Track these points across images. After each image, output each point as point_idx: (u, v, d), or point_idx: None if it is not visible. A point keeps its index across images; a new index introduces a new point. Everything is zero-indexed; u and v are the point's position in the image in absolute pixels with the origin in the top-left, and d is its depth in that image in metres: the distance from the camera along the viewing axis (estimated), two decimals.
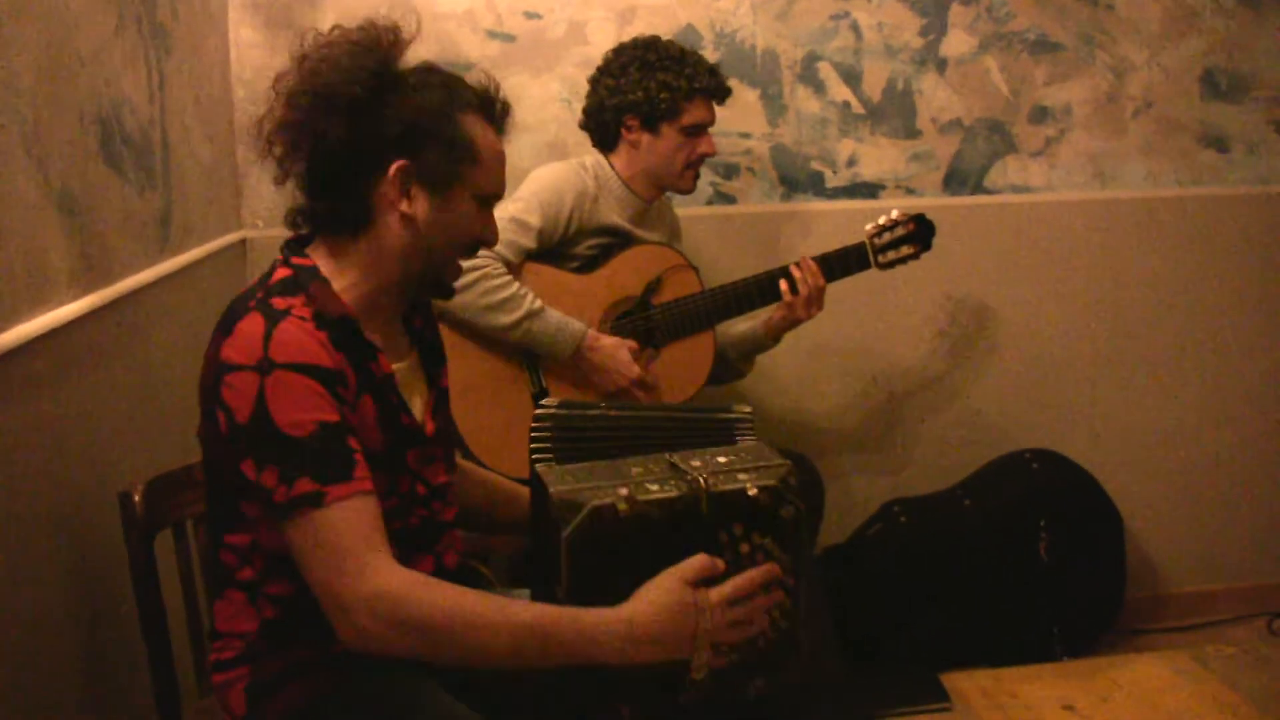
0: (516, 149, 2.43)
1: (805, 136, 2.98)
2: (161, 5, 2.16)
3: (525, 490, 1.66)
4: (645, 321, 2.45)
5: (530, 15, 2.83)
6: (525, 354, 2.37)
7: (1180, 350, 3.18)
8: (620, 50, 2.49)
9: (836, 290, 2.52)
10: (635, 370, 2.37)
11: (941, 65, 3.02)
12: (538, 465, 1.50)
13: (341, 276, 1.49)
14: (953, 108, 3.04)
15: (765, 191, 2.99)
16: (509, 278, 2.29)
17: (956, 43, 3.02)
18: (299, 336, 1.39)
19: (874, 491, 3.04)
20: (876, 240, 2.52)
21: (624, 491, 1.39)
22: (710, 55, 2.84)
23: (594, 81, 2.52)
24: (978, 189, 3.08)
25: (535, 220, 2.36)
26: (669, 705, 1.42)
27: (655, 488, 1.41)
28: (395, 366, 1.53)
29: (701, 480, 1.42)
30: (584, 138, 2.57)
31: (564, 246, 2.43)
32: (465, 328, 2.30)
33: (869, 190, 3.03)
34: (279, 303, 1.42)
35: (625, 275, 2.45)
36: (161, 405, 2.00)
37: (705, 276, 2.54)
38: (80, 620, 1.64)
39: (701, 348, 2.48)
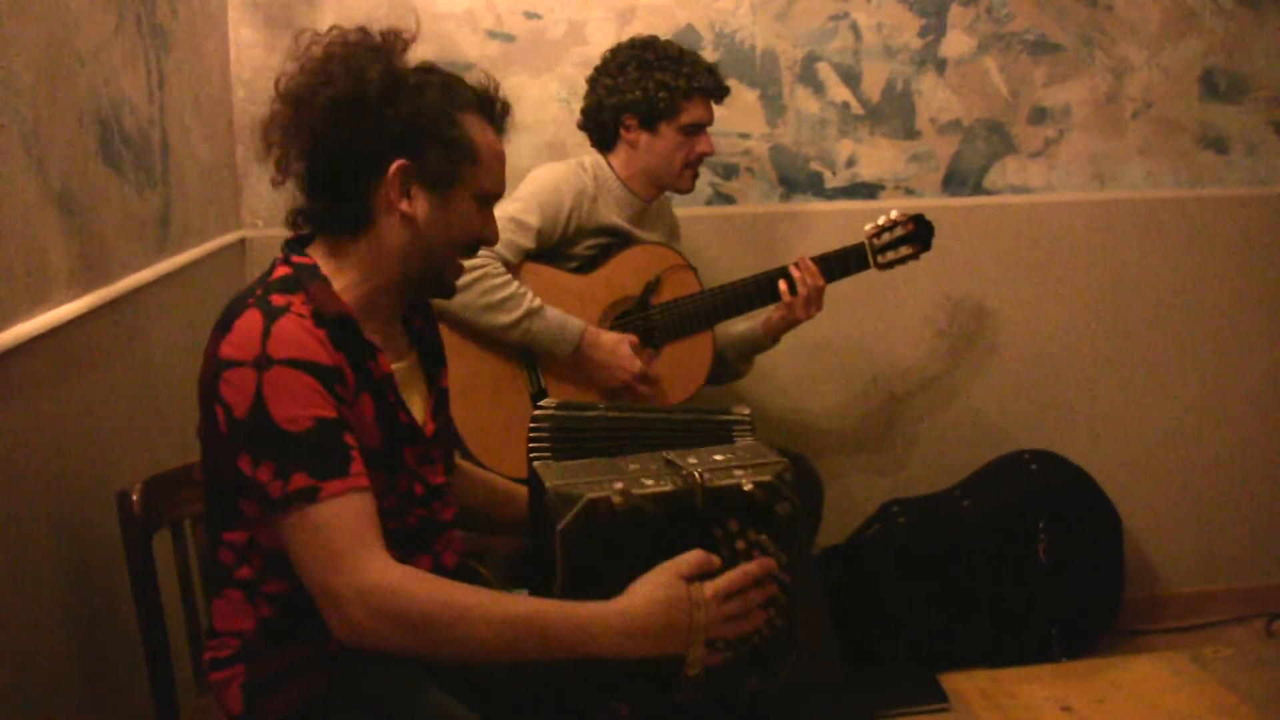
0: (516, 149, 2.44)
1: (804, 137, 2.98)
2: (161, 5, 2.16)
3: (524, 490, 1.66)
4: (644, 322, 2.45)
5: (530, 15, 2.84)
6: (524, 354, 2.37)
7: (1179, 351, 3.18)
8: (618, 50, 2.49)
9: (836, 291, 2.52)
10: (637, 365, 2.37)
11: (941, 66, 3.02)
12: (535, 463, 1.51)
13: (341, 276, 1.49)
14: (952, 108, 3.04)
15: (764, 192, 2.99)
16: (508, 277, 2.30)
17: (956, 43, 3.02)
18: (297, 333, 1.39)
19: (873, 492, 3.05)
20: (875, 241, 2.53)
21: (619, 485, 1.40)
22: (710, 55, 2.84)
23: (592, 81, 2.52)
24: (977, 190, 3.08)
25: (534, 220, 2.36)
26: (667, 704, 1.42)
27: (651, 482, 1.42)
28: (395, 366, 1.53)
29: (697, 475, 1.43)
30: (583, 138, 2.57)
31: (563, 246, 2.43)
32: (465, 328, 2.30)
33: (868, 191, 3.03)
34: (278, 300, 1.42)
35: (624, 275, 2.45)
36: (161, 405, 2.00)
37: (704, 277, 2.54)
38: (79, 619, 1.64)
39: (700, 348, 2.48)
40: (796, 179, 3.00)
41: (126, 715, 1.75)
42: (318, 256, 1.50)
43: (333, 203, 1.49)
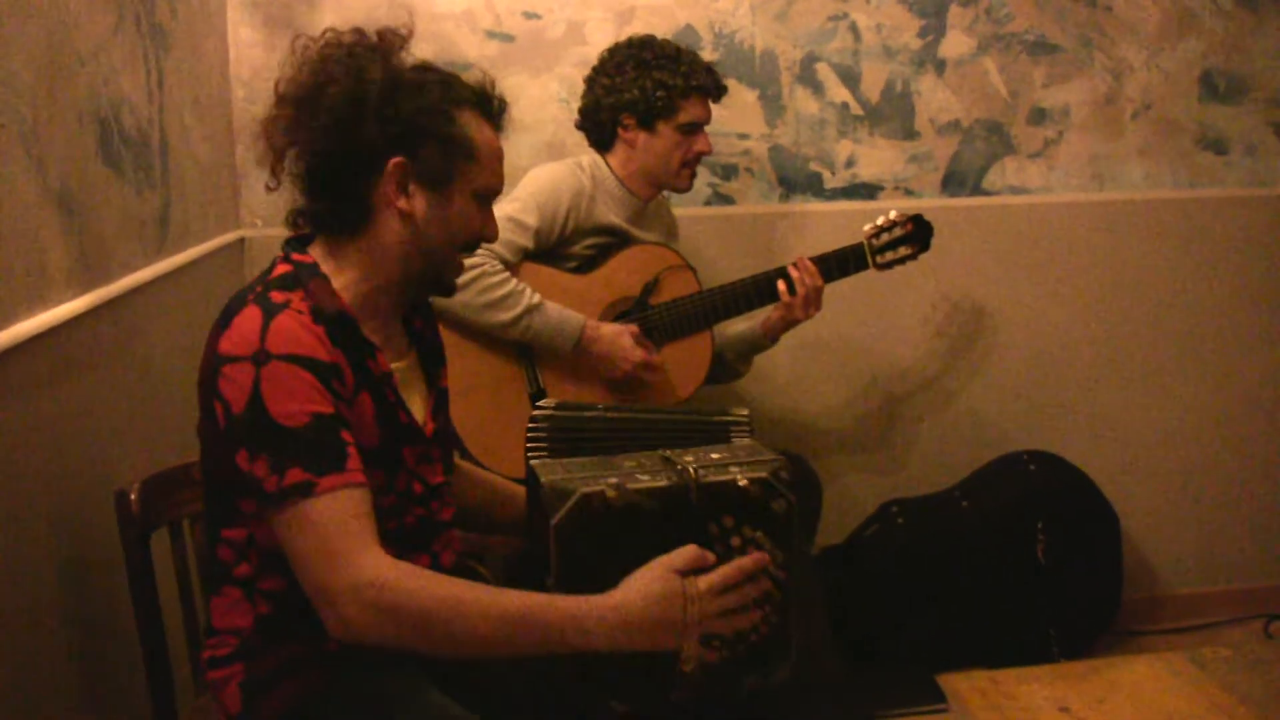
0: (515, 149, 2.44)
1: (804, 137, 2.98)
2: (160, 4, 2.16)
3: (523, 490, 1.66)
4: (643, 322, 2.45)
5: (529, 15, 2.84)
6: (523, 354, 2.38)
7: (1178, 352, 3.19)
8: (616, 49, 2.49)
9: (835, 291, 2.52)
10: (639, 354, 2.37)
11: (940, 66, 3.02)
12: (532, 461, 1.51)
13: (341, 275, 1.50)
14: (951, 109, 3.04)
15: (764, 192, 2.99)
16: (506, 275, 2.30)
17: (955, 44, 3.02)
18: (295, 329, 1.39)
19: (872, 492, 3.05)
20: (874, 241, 2.53)
21: (614, 480, 1.40)
22: (709, 56, 2.84)
23: (590, 81, 2.52)
24: (976, 190, 3.08)
25: (532, 220, 2.36)
26: (663, 703, 1.42)
27: (645, 478, 1.42)
28: (394, 366, 1.54)
29: (692, 471, 1.43)
30: (583, 138, 2.57)
31: (561, 246, 2.43)
32: (464, 327, 2.30)
33: (867, 191, 3.03)
34: (277, 296, 1.43)
35: (623, 275, 2.45)
36: (160, 404, 2.00)
37: (703, 277, 2.54)
38: (77, 619, 1.64)
39: (699, 348, 2.48)
40: (796, 179, 3.00)
41: (125, 715, 1.75)
42: (318, 255, 1.51)
43: (332, 202, 1.49)
